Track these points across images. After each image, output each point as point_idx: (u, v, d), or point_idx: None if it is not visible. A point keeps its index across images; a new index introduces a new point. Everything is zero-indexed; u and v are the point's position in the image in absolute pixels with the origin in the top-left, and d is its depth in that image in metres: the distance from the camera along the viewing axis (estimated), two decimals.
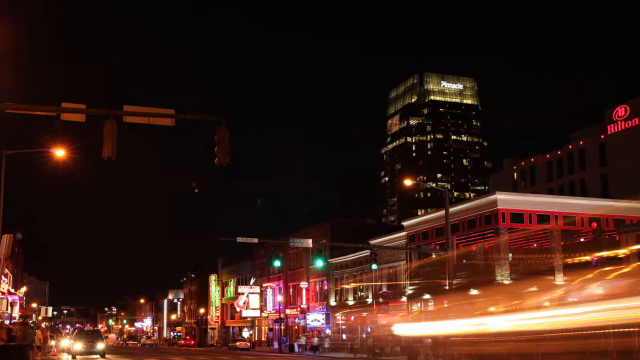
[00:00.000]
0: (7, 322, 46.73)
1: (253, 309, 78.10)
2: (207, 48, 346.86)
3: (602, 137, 72.86)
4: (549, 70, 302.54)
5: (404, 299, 48.80)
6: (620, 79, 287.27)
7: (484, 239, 41.71)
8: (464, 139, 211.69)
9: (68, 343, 50.79)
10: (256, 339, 78.48)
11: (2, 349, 17.95)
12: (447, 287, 39.20)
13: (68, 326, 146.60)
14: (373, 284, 53.12)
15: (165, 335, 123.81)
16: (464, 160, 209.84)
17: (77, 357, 38.42)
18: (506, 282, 37.95)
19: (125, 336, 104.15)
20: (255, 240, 41.07)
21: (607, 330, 14.92)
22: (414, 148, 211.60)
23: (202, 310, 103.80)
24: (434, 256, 46.71)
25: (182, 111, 18.79)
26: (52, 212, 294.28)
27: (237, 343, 71.85)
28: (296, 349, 59.60)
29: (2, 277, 50.78)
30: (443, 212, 41.02)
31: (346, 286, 58.45)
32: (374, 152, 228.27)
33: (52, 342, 57.43)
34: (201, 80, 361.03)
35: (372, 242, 52.34)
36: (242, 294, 79.90)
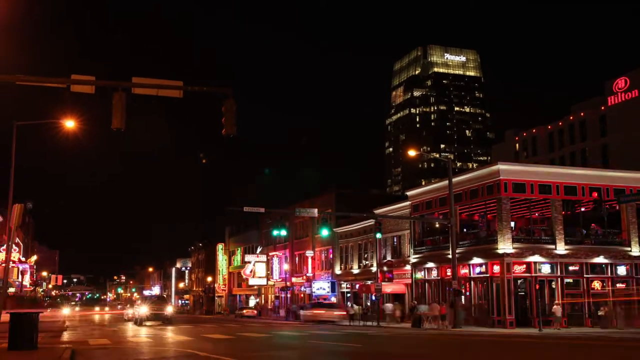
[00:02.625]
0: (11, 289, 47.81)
1: (259, 277, 79.28)
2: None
3: (603, 108, 73.18)
4: (551, 42, 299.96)
5: (408, 267, 49.52)
6: (621, 51, 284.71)
7: (486, 209, 42.24)
8: (467, 110, 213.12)
9: None
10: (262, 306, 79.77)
11: (15, 316, 18.54)
12: (450, 256, 39.94)
13: (78, 294, 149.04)
14: None
15: (173, 303, 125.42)
16: (467, 131, 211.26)
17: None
18: (508, 250, 38.52)
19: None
20: (262, 210, 41.64)
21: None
22: (417, 119, 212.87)
23: (209, 279, 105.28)
24: (437, 225, 47.36)
25: (190, 83, 19.29)
26: (62, 182, 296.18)
27: (244, 311, 72.95)
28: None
29: (13, 246, 51.76)
30: (446, 182, 41.51)
31: None
32: (379, 124, 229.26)
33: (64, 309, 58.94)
34: (208, 46, 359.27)
35: (377, 211, 52.89)
36: (249, 262, 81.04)
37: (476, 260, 41.18)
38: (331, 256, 63.87)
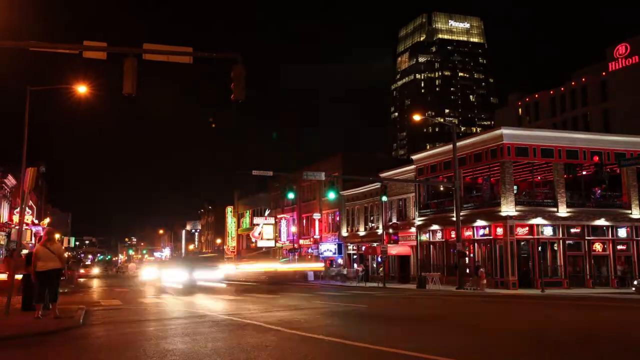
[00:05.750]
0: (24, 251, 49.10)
1: (267, 239, 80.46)
2: None
3: (604, 74, 73.44)
4: (552, 9, 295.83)
5: (413, 229, 50.38)
6: (622, 17, 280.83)
7: (490, 172, 42.84)
8: (471, 75, 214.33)
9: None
10: None
11: (27, 277, 18.96)
12: (454, 219, 40.73)
13: (90, 256, 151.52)
14: None
15: None
16: (471, 96, 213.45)
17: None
18: (511, 213, 39.24)
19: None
20: (270, 173, 42.23)
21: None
22: (422, 84, 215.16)
23: (218, 241, 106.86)
24: (441, 188, 48.06)
25: (200, 49, 19.75)
26: (74, 146, 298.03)
27: None
28: (309, 278, 61.89)
29: (26, 208, 52.96)
30: (450, 146, 42.10)
31: None
32: (384, 89, 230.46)
33: (81, 271, 60.54)
34: (218, 19, 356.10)
35: (383, 175, 53.58)
36: (257, 225, 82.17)
37: (480, 222, 41.97)
38: (338, 218, 64.83)
